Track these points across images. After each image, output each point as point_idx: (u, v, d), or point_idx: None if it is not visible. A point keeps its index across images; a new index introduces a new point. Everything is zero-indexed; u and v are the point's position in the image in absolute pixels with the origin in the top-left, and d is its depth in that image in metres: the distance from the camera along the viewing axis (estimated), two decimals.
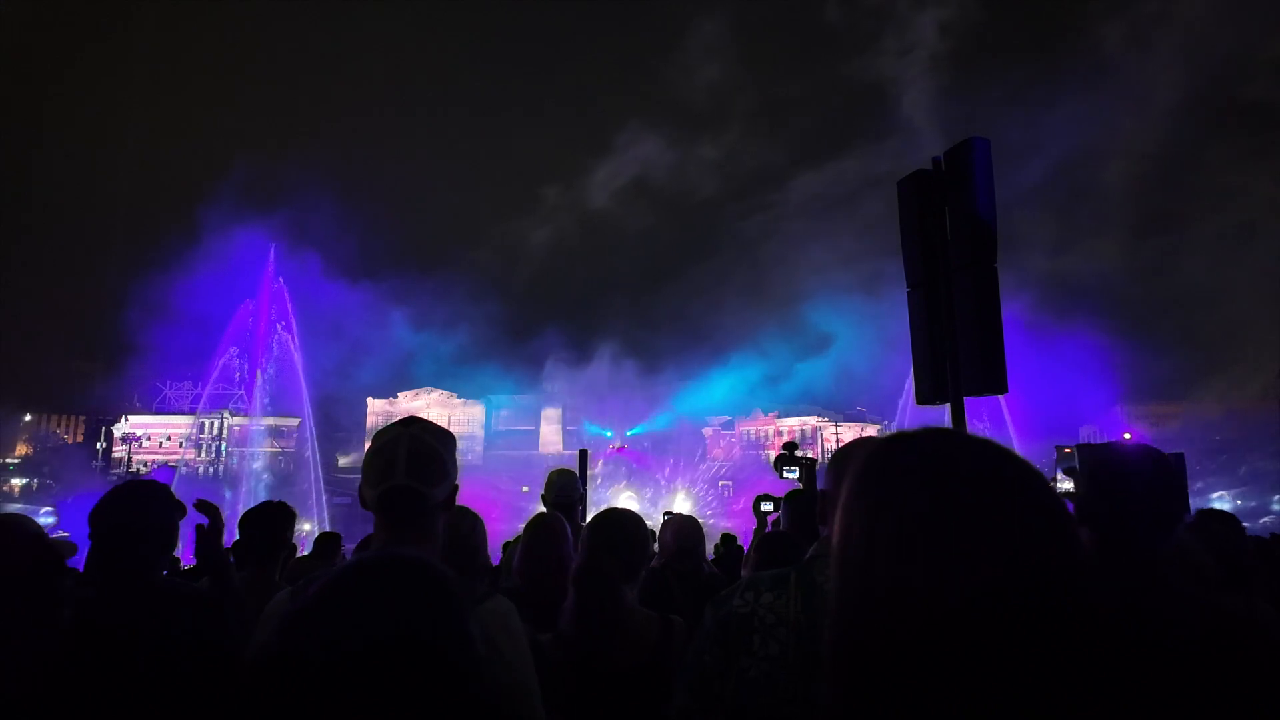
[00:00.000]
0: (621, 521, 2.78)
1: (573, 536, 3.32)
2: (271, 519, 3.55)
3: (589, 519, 2.95)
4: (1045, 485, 0.78)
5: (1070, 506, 1.14)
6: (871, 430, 73.35)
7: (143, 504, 2.27)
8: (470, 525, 2.83)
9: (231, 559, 3.31)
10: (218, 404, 73.81)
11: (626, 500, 52.99)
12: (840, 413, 77.79)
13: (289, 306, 65.02)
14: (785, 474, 8.23)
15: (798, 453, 8.66)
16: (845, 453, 1.97)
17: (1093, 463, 1.82)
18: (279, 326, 64.31)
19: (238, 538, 3.85)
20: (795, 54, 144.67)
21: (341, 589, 1.07)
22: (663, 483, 70.83)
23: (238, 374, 68.38)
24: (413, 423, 1.91)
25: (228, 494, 53.85)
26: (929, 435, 0.83)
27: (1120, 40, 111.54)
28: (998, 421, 56.59)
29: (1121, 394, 68.41)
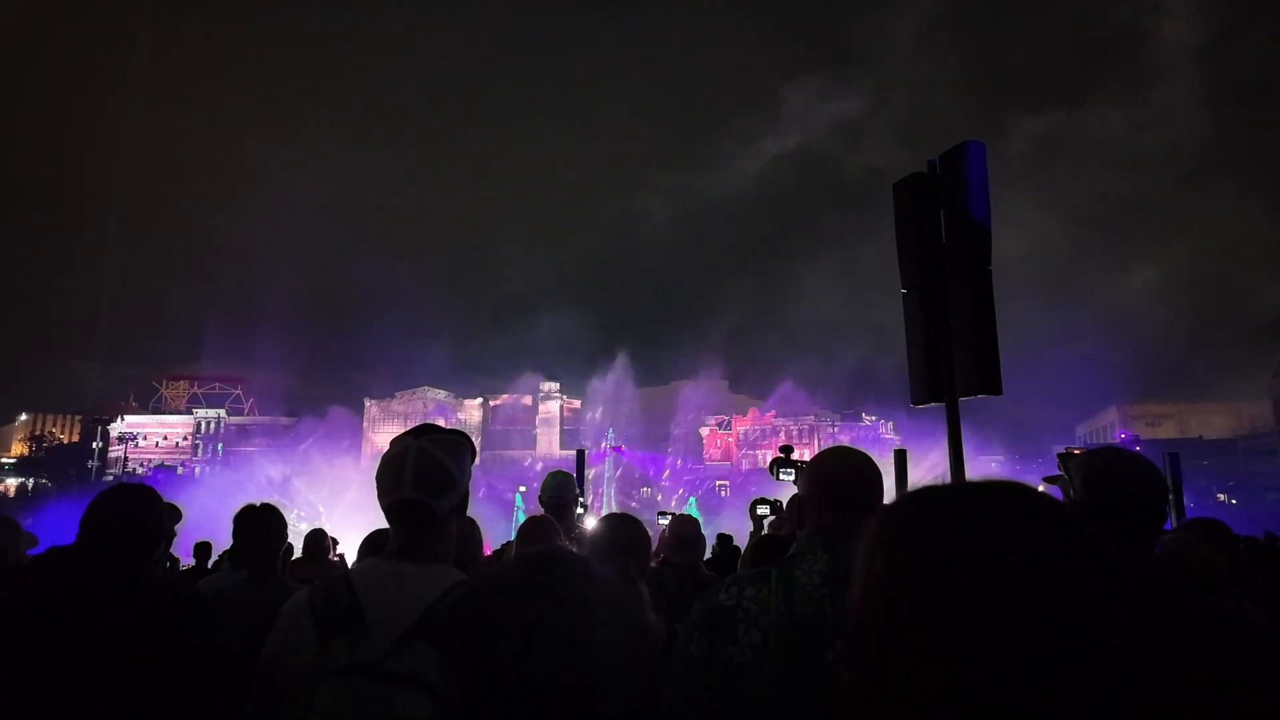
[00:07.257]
0: (630, 525, 2.86)
1: (566, 539, 3.35)
2: (260, 520, 3.60)
3: (594, 522, 2.98)
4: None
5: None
6: (874, 427, 73.35)
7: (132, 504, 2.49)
8: (468, 530, 2.85)
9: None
10: (215, 403, 73.79)
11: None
12: (839, 412, 77.67)
13: (289, 305, 65.00)
14: (780, 476, 8.25)
15: (793, 455, 8.67)
16: (816, 461, 2.05)
17: (1088, 466, 1.85)
18: (279, 326, 64.31)
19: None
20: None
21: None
22: (663, 483, 70.97)
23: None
24: (423, 433, 1.89)
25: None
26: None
27: None
28: (993, 421, 56.72)
29: (1117, 394, 68.44)
